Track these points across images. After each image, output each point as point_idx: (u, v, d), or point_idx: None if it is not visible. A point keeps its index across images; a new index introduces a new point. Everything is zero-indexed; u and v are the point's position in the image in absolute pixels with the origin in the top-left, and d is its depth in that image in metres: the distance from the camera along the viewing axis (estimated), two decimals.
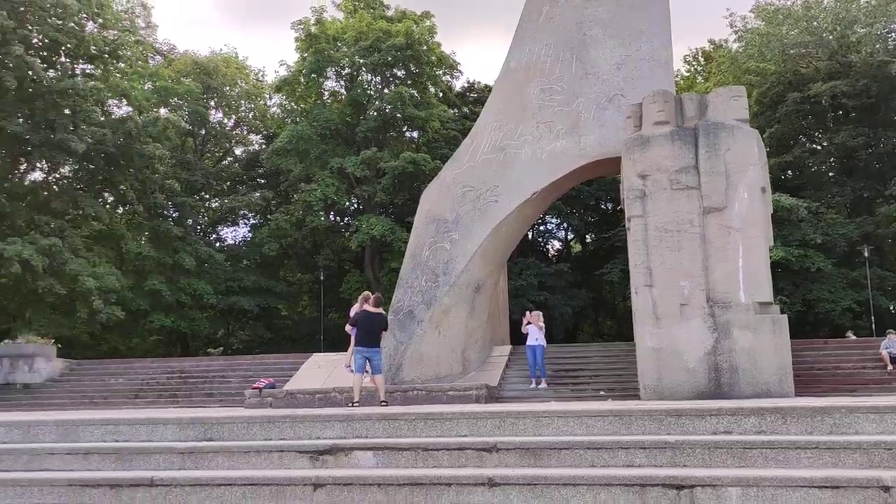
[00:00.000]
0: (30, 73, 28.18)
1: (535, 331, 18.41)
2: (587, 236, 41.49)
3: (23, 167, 33.12)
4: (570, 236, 42.88)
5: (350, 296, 33.38)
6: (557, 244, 43.88)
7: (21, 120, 29.13)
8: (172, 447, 6.52)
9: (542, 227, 40.47)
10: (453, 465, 5.93)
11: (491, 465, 5.86)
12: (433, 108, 35.80)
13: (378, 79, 36.95)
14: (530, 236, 38.06)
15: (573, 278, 35.98)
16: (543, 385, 18.45)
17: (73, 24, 30.32)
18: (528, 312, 19.27)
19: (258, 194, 39.94)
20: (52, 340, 25.10)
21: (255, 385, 18.07)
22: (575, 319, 37.81)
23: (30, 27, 28.94)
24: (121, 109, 35.73)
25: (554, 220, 40.03)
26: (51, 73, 30.18)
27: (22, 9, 28.29)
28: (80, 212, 32.03)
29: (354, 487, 5.57)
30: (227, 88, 40.94)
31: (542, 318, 19.07)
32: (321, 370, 21.29)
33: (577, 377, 20.08)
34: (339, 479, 5.65)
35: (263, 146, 41.25)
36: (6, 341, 24.70)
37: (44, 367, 23.62)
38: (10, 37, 27.08)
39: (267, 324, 38.71)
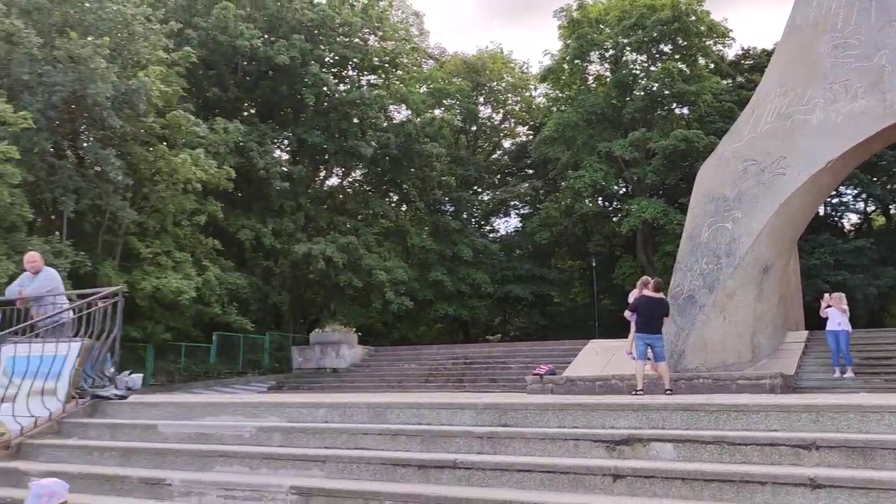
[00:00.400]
0: (324, 88, 31.43)
1: (836, 314, 16.59)
2: (892, 207, 36.59)
3: (322, 174, 37.09)
4: (871, 208, 38.13)
5: (623, 281, 32.81)
6: (855, 218, 39.29)
7: (318, 132, 32.57)
8: (471, 431, 6.79)
9: (835, 200, 36.43)
10: (764, 461, 5.47)
11: (810, 463, 5.32)
12: (704, 80, 33.87)
13: (643, 57, 35.78)
14: (822, 211, 34.45)
15: (877, 255, 32.00)
16: (850, 374, 16.57)
17: (357, 40, 33.32)
18: (826, 295, 17.44)
19: (527, 184, 40.74)
20: (354, 329, 27.78)
21: (535, 371, 18.36)
22: (881, 301, 33.59)
23: (322, 47, 32.23)
24: (400, 114, 38.60)
25: (850, 191, 35.83)
26: (341, 86, 33.40)
27: (315, 31, 31.61)
28: (371, 211, 35.16)
29: (656, 480, 5.37)
30: (495, 84, 42.30)
31: (844, 301, 17.14)
32: (599, 357, 21.10)
33: (890, 366, 17.76)
34: (640, 471, 5.48)
35: (530, 137, 41.98)
36: (316, 330, 27.82)
37: (348, 353, 26.20)
38: (308, 58, 30.41)
39: (541, 311, 39.42)
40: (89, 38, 21.65)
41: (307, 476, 6.63)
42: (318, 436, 7.29)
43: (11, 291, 11.04)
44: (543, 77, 38.86)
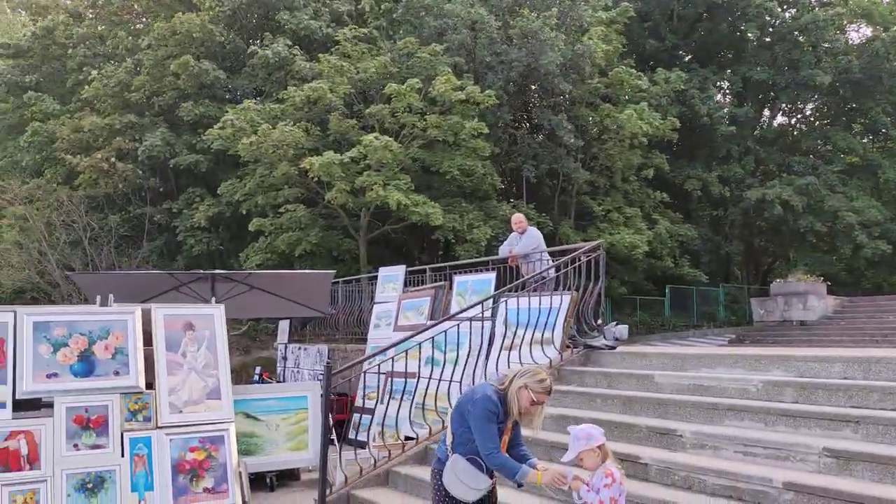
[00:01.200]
0: (768, 18, 28.81)
1: None
2: None
3: (768, 113, 34.28)
4: None
5: None
6: None
7: (762, 67, 30.01)
8: None
9: None
10: None
11: None
12: None
13: None
14: None
15: None
16: None
17: None
18: None
19: None
20: (822, 278, 25.24)
21: None
22: None
23: None
24: (858, 32, 33.66)
25: None
26: (787, 14, 30.26)
27: None
28: (830, 147, 31.40)
29: None
30: None
31: None
32: None
33: None
34: None
35: None
36: (778, 280, 25.92)
37: (816, 305, 23.90)
38: None
39: None
40: (534, 13, 22.98)
41: (839, 437, 5.97)
42: (842, 393, 6.52)
43: (503, 251, 12.26)
44: None
